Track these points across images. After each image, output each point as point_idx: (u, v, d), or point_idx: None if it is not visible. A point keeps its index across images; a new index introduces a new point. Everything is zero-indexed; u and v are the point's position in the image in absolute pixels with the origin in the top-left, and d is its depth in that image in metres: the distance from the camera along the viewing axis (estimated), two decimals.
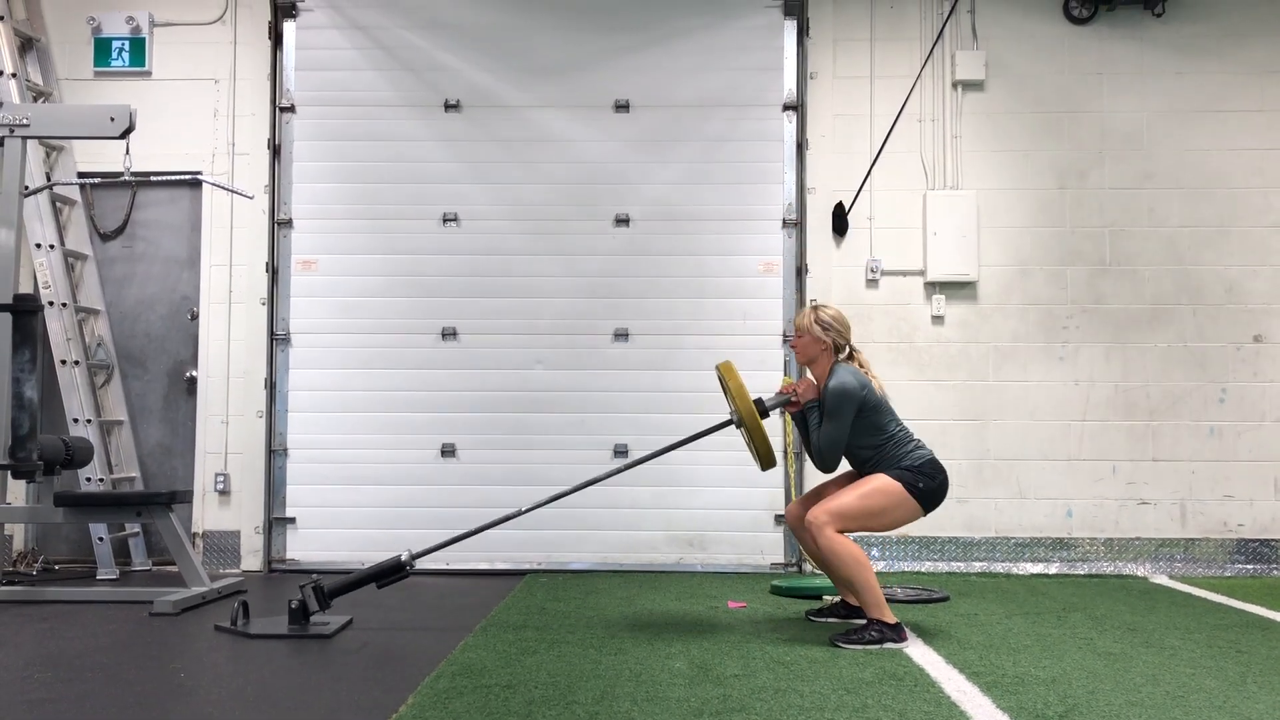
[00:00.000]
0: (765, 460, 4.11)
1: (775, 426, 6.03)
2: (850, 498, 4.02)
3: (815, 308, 4.26)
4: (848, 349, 4.24)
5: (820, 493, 4.31)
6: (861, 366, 4.22)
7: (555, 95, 6.23)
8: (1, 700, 3.16)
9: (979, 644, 4.04)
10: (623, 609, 4.80)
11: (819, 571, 5.87)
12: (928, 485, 4.04)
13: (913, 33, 6.20)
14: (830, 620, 4.45)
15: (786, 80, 6.22)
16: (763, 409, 4.14)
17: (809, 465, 5.91)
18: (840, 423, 4.04)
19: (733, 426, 4.30)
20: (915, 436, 4.18)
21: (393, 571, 4.26)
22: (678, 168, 6.20)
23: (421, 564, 5.93)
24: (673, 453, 5.97)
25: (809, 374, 4.32)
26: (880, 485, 4.03)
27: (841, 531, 4.00)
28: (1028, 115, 6.16)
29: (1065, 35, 6.19)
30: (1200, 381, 6.04)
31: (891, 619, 3.97)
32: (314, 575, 4.45)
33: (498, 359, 6.14)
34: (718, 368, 4.25)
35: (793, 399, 4.25)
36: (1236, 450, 6.01)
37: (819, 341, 4.20)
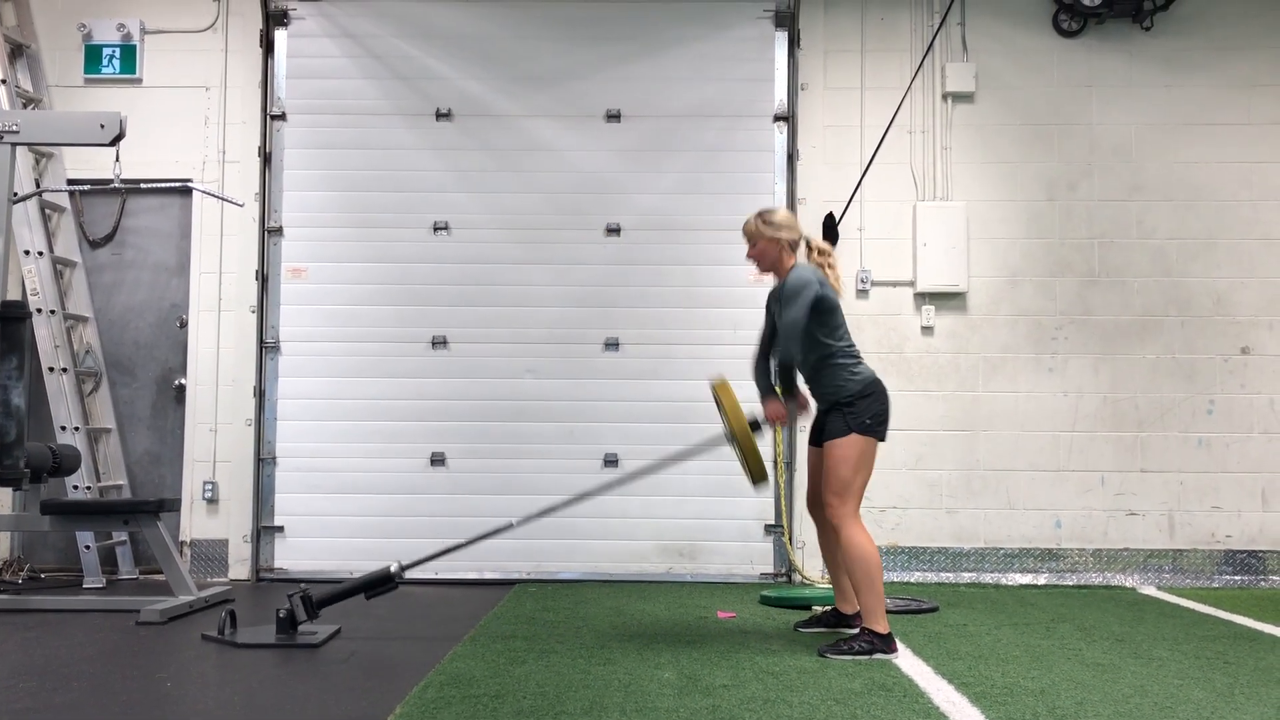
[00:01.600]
0: (757, 476, 4.17)
1: (764, 436, 6.02)
2: (837, 473, 4.07)
3: (760, 213, 4.30)
4: (803, 242, 4.30)
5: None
6: (823, 255, 4.27)
7: (547, 105, 6.24)
8: None
9: (968, 655, 4.04)
10: (612, 619, 4.79)
11: (808, 581, 5.87)
12: (875, 416, 4.11)
13: (903, 45, 6.23)
14: (818, 630, 4.45)
15: (777, 91, 6.24)
16: (756, 426, 4.16)
17: (799, 476, 5.92)
18: (797, 306, 4.05)
19: (725, 442, 4.31)
20: (857, 350, 4.22)
21: (382, 582, 4.25)
22: (669, 178, 6.21)
23: (410, 573, 5.94)
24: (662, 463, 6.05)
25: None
26: (845, 446, 4.07)
27: (858, 506, 4.07)
28: (1017, 127, 6.19)
29: (1054, 48, 6.22)
30: (1188, 393, 6.06)
31: (885, 629, 3.97)
32: (302, 584, 4.43)
33: (488, 368, 6.13)
34: (712, 385, 4.26)
35: (782, 423, 4.33)
36: (1224, 461, 6.03)
37: (774, 241, 4.24)
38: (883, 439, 4.17)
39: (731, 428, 4.12)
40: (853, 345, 4.22)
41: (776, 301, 4.28)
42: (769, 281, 6.07)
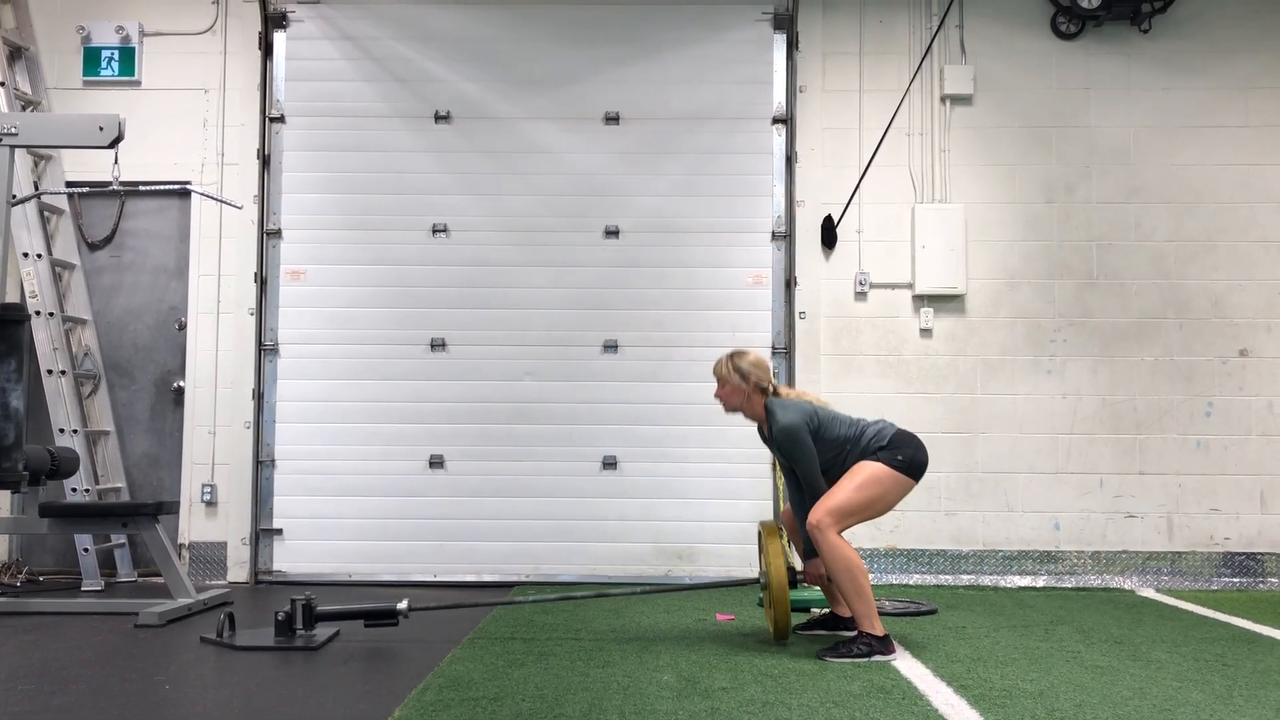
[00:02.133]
0: (780, 634, 4.15)
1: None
2: (845, 493, 4.03)
3: (731, 356, 4.28)
4: (771, 387, 4.26)
5: None
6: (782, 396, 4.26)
7: (545, 107, 6.24)
8: None
9: (966, 657, 4.04)
10: (610, 621, 4.79)
11: (807, 585, 5.86)
12: (908, 457, 4.06)
13: (901, 47, 6.23)
14: (817, 633, 4.45)
15: (776, 93, 6.25)
16: (794, 580, 4.19)
17: None
18: (806, 457, 4.07)
19: (758, 586, 4.33)
20: (869, 420, 4.20)
21: (385, 616, 4.24)
22: (667, 180, 6.21)
23: (408, 575, 5.97)
24: (661, 465, 6.07)
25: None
26: (869, 474, 4.04)
27: (843, 530, 4.02)
28: (1016, 129, 6.20)
29: (1053, 51, 6.23)
30: (1187, 395, 6.07)
31: (881, 631, 3.97)
32: (307, 592, 4.43)
33: (487, 370, 6.13)
34: (760, 527, 4.26)
35: (815, 581, 4.29)
36: (1223, 464, 6.03)
37: (739, 390, 4.23)
38: (914, 480, 4.08)
39: (770, 581, 4.10)
40: (857, 422, 4.17)
41: (769, 441, 4.26)
42: (767, 281, 6.15)
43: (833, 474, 4.15)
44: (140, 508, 5.03)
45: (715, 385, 4.33)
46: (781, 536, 4.19)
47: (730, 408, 4.31)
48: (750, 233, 6.19)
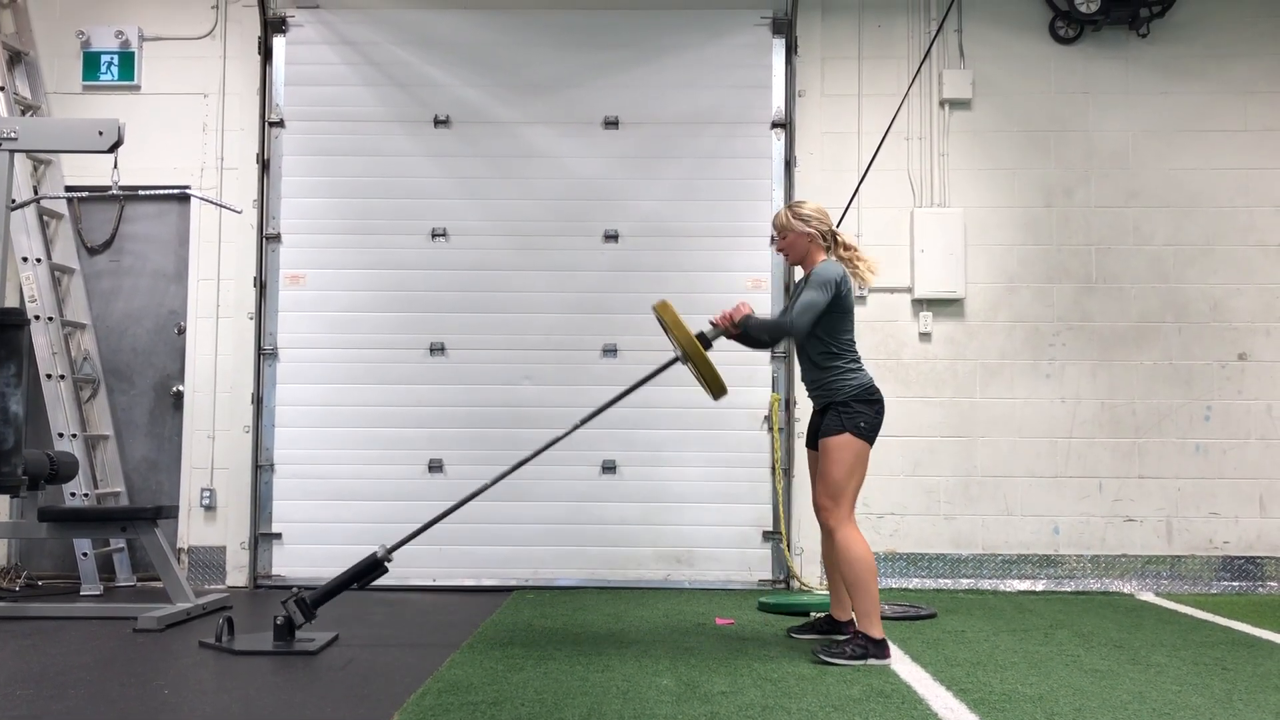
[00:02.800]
0: (715, 388, 4.15)
1: (763, 443, 6.04)
2: (829, 475, 4.08)
3: (790, 205, 4.35)
4: (831, 235, 4.30)
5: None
6: (849, 249, 4.28)
7: (544, 111, 6.25)
8: None
9: (966, 661, 4.04)
10: (610, 625, 4.79)
11: (806, 587, 5.87)
12: (869, 421, 4.12)
13: (900, 51, 6.24)
14: (813, 637, 4.45)
15: (775, 98, 6.25)
16: (705, 341, 4.16)
17: (797, 482, 5.92)
18: (820, 293, 4.08)
19: (679, 364, 4.30)
20: (859, 355, 4.24)
21: (371, 569, 4.26)
22: (667, 184, 6.21)
23: (408, 580, 5.96)
24: (659, 469, 6.06)
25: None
26: (839, 446, 4.08)
27: (852, 509, 4.07)
28: (1014, 134, 6.21)
29: (1051, 55, 6.24)
30: (1186, 399, 6.07)
31: (879, 634, 3.97)
32: (294, 588, 4.43)
33: (486, 374, 6.13)
34: (654, 307, 4.24)
35: (727, 325, 4.22)
36: (1222, 467, 6.03)
37: (804, 234, 4.26)
38: (871, 444, 4.16)
39: (679, 343, 4.10)
40: (855, 349, 4.24)
41: (800, 287, 4.28)
42: (767, 285, 6.15)
43: (811, 364, 4.22)
44: (139, 512, 5.03)
45: (778, 238, 4.35)
46: (708, 347, 4.13)
47: (795, 257, 4.33)
48: (749, 237, 6.19)
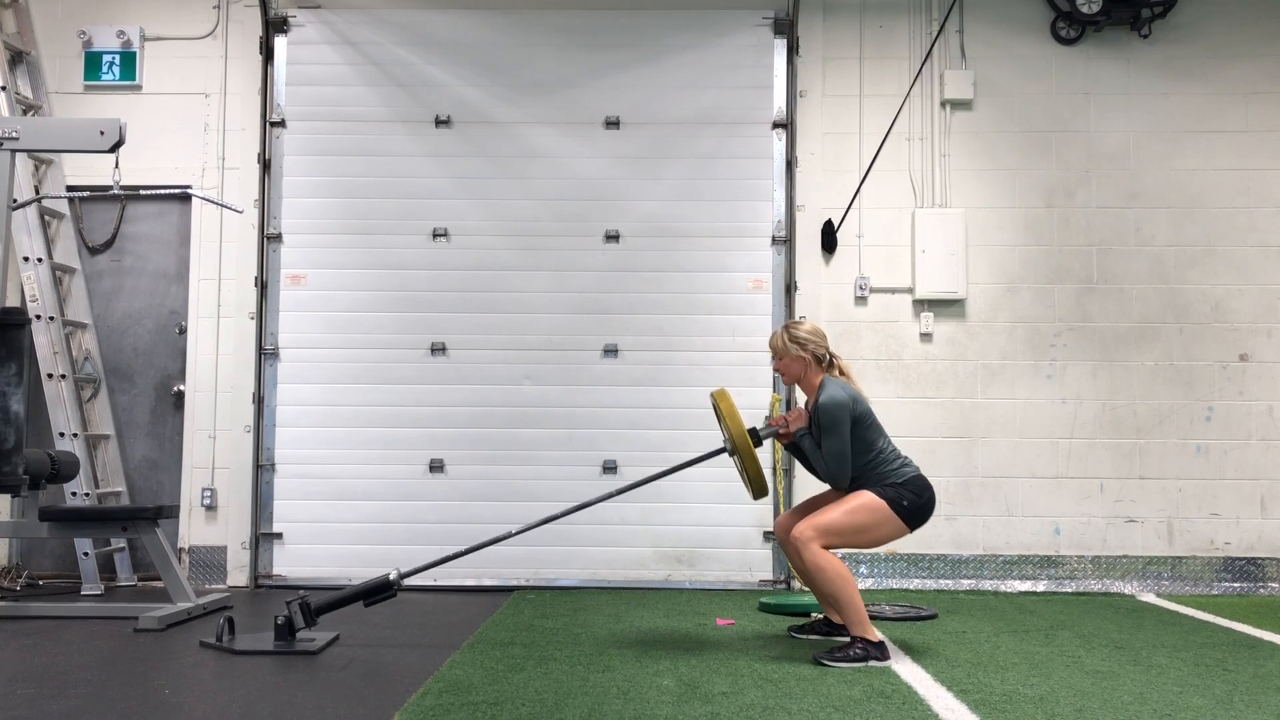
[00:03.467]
0: (757, 489, 4.13)
1: (764, 443, 6.03)
2: (836, 514, 4.02)
3: (786, 327, 4.29)
4: (828, 358, 4.26)
5: (808, 507, 4.33)
6: (844, 375, 4.26)
7: (546, 111, 6.25)
8: None
9: (967, 662, 4.04)
10: (611, 626, 4.79)
11: (807, 589, 5.87)
12: (913, 503, 4.04)
13: (901, 52, 6.24)
14: (813, 637, 4.45)
15: (776, 98, 6.25)
16: (756, 438, 4.15)
17: (798, 482, 5.92)
18: (839, 434, 4.05)
19: (726, 454, 4.30)
20: (904, 454, 4.19)
21: (380, 590, 4.24)
22: (668, 184, 6.22)
23: (408, 580, 5.94)
24: (661, 469, 6.04)
25: (798, 400, 4.33)
26: (865, 502, 4.03)
27: (827, 547, 4.00)
28: (1016, 134, 6.21)
29: (1053, 55, 6.24)
30: (1187, 400, 6.06)
31: (875, 637, 3.97)
32: (301, 591, 4.43)
33: (487, 374, 6.13)
34: (712, 395, 4.27)
35: (782, 430, 4.26)
36: (1223, 468, 6.03)
37: (799, 359, 4.23)
38: (909, 527, 4.06)
39: (731, 436, 4.11)
40: (894, 447, 4.16)
41: (815, 419, 4.20)
42: (768, 286, 6.15)
43: (856, 478, 4.14)
44: (140, 512, 5.03)
45: (773, 360, 4.34)
46: (758, 445, 4.15)
47: (790, 379, 4.29)
48: (750, 237, 6.20)
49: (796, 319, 4.32)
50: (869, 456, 4.10)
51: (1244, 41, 6.22)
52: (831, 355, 4.27)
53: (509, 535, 4.43)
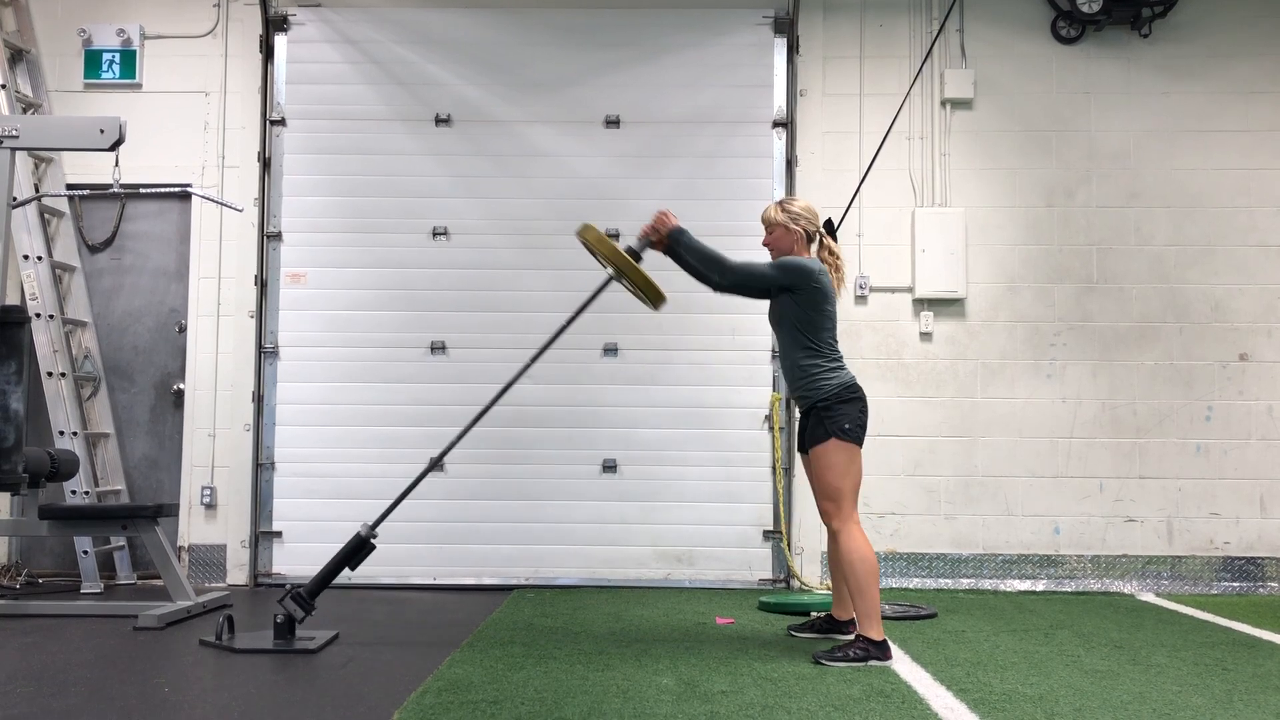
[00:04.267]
0: (653, 296, 4.14)
1: (764, 442, 6.04)
2: (827, 480, 4.05)
3: (780, 202, 4.34)
4: (819, 238, 4.31)
5: None
6: (833, 256, 4.30)
7: (546, 110, 6.25)
8: None
9: (966, 661, 4.04)
10: (610, 624, 4.79)
11: (806, 587, 5.87)
12: (853, 422, 4.06)
13: (902, 51, 6.24)
14: (812, 635, 4.45)
15: (776, 97, 6.25)
16: (634, 254, 4.16)
17: (797, 482, 5.92)
18: (775, 270, 4.11)
19: (614, 283, 4.27)
20: (839, 354, 4.19)
21: (359, 549, 4.27)
22: (668, 183, 6.21)
23: (408, 579, 5.97)
24: (660, 468, 6.06)
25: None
26: (828, 453, 4.04)
27: (853, 509, 4.04)
28: (1016, 133, 6.20)
29: (1053, 55, 6.24)
30: (1187, 399, 6.06)
31: (879, 636, 3.97)
32: (287, 585, 4.43)
33: (486, 373, 6.12)
34: (576, 233, 4.23)
35: (654, 238, 4.20)
36: (1223, 468, 6.03)
37: (791, 232, 4.27)
38: (860, 444, 4.11)
39: (610, 260, 4.10)
40: (836, 348, 4.19)
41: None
42: None
43: (792, 365, 4.16)
44: (140, 510, 5.03)
45: (764, 233, 4.35)
46: (639, 260, 4.13)
47: (778, 253, 4.30)
48: (751, 236, 6.12)
49: (790, 196, 4.32)
50: (816, 341, 4.11)
51: (1244, 41, 6.22)
52: (821, 235, 4.30)
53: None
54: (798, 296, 4.11)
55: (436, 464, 4.44)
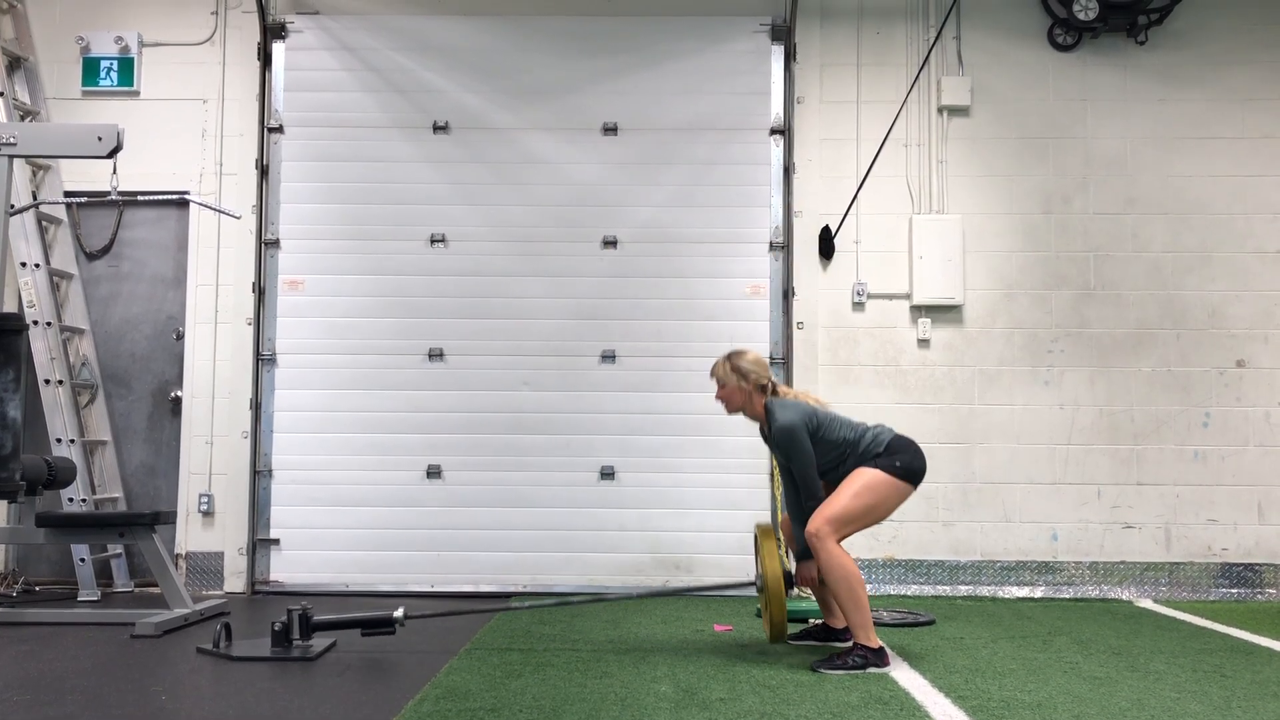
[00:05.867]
0: (776, 631, 4.17)
1: (761, 449, 6.05)
2: (843, 501, 4.02)
3: (729, 357, 4.30)
4: (770, 385, 4.27)
5: None
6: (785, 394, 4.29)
7: (544, 117, 6.26)
8: None
9: (964, 668, 4.03)
10: (608, 632, 4.78)
11: (805, 594, 5.87)
12: (905, 463, 4.05)
13: (899, 58, 6.25)
14: (809, 643, 4.45)
15: (774, 104, 6.26)
16: (789, 582, 4.20)
17: None
18: (804, 457, 4.07)
19: (756, 591, 4.35)
20: (868, 425, 4.19)
21: (382, 624, 4.24)
22: (665, 190, 6.22)
23: (406, 585, 5.97)
24: (658, 475, 6.07)
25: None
26: (866, 481, 4.03)
27: (842, 539, 4.01)
28: (1013, 140, 6.22)
29: (1050, 62, 6.25)
30: (1184, 406, 6.07)
31: (876, 643, 3.97)
32: (304, 601, 4.42)
33: (484, 380, 6.13)
34: (756, 527, 4.30)
35: (810, 584, 4.24)
36: (1220, 474, 6.04)
37: (740, 390, 4.25)
38: (913, 485, 4.08)
39: (765, 576, 4.13)
40: (856, 426, 4.17)
41: (769, 440, 4.28)
42: (765, 292, 6.16)
43: (830, 477, 4.15)
44: (137, 517, 5.02)
45: (715, 389, 4.33)
46: (778, 541, 4.20)
47: (733, 409, 4.31)
48: (748, 243, 6.20)
49: (739, 349, 4.32)
50: (840, 450, 4.11)
51: (1240, 48, 6.23)
52: (773, 383, 4.29)
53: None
54: (815, 447, 4.11)
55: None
